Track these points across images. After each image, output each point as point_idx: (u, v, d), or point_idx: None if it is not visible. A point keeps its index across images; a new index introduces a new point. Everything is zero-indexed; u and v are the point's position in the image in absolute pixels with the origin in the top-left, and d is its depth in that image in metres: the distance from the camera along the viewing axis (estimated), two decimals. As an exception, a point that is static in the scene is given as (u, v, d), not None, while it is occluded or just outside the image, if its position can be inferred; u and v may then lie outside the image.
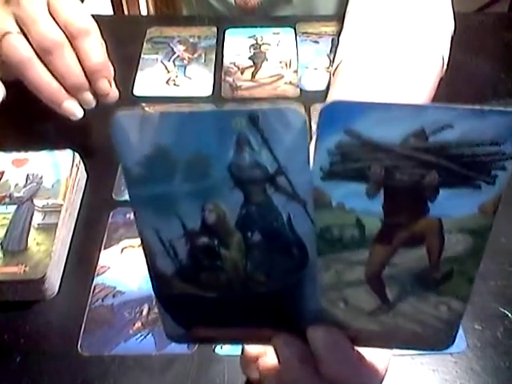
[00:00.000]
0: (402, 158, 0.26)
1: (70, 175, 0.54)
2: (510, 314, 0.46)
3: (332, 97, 0.56)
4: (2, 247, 0.48)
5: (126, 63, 0.72)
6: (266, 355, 0.34)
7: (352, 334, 0.32)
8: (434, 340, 0.32)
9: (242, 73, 0.70)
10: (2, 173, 0.54)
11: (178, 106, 0.26)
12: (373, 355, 0.34)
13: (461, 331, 0.45)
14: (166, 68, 0.71)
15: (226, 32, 0.76)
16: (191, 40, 0.75)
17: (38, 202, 0.51)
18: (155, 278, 0.30)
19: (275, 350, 0.33)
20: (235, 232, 0.29)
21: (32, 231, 0.49)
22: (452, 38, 0.61)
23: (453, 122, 0.25)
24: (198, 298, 0.31)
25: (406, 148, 0.26)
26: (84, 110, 0.55)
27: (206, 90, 0.67)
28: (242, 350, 0.36)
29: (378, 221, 0.28)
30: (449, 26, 0.62)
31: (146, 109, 0.25)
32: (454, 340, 0.32)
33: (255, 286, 0.31)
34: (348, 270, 0.30)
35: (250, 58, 0.72)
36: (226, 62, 0.71)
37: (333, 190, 0.27)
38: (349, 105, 0.25)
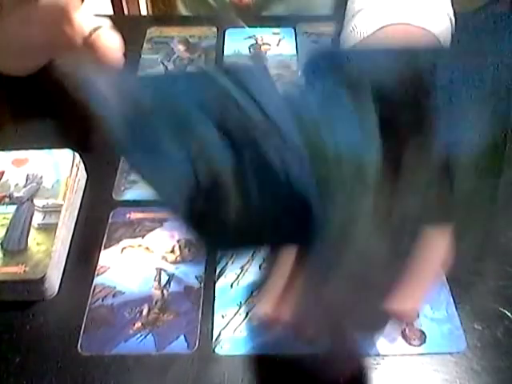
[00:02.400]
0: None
1: (70, 175, 0.54)
2: (510, 314, 0.46)
3: None
4: (2, 247, 0.48)
5: (126, 63, 0.72)
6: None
7: None
8: None
9: (242, 73, 0.70)
10: (2, 173, 0.54)
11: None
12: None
13: (461, 331, 0.45)
14: (166, 68, 0.71)
15: (226, 32, 0.75)
16: (191, 40, 0.75)
17: (38, 202, 0.51)
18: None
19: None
20: (232, 192, 0.28)
21: (32, 231, 0.49)
22: (452, 36, 0.61)
23: None
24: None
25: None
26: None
27: (206, 89, 0.67)
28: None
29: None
30: None
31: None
32: None
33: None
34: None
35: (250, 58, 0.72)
36: (226, 62, 0.71)
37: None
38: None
